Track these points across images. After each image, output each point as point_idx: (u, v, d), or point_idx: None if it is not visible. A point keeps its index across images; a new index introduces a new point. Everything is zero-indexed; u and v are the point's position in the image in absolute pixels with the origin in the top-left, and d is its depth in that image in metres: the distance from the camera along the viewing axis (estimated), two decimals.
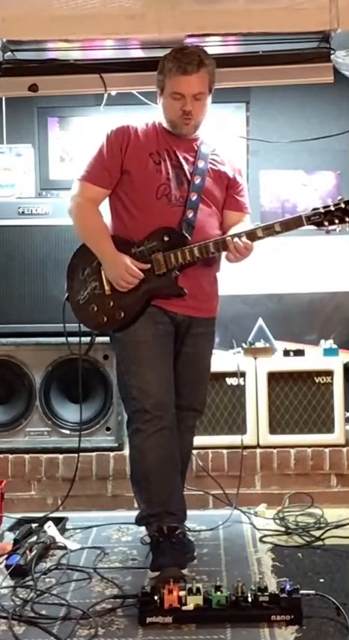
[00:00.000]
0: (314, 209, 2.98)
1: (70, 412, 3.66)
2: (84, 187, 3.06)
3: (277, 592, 2.57)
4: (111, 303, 3.01)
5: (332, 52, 3.61)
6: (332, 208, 2.95)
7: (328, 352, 3.81)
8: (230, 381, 3.74)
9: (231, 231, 3.04)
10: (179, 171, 3.02)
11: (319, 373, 3.76)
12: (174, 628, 2.53)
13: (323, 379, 3.74)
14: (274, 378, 3.75)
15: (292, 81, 3.75)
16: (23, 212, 3.72)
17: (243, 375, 3.73)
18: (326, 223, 2.97)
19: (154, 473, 2.96)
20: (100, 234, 3.04)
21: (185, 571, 2.87)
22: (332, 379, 3.73)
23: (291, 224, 2.99)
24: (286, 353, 3.83)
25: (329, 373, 3.74)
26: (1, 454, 3.68)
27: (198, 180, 3.02)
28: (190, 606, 2.54)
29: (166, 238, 2.97)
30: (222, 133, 3.27)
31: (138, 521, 3.07)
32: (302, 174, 4.36)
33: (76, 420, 3.58)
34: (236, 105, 4.39)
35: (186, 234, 2.97)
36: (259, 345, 3.86)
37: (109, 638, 2.50)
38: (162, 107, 3.04)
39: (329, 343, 3.86)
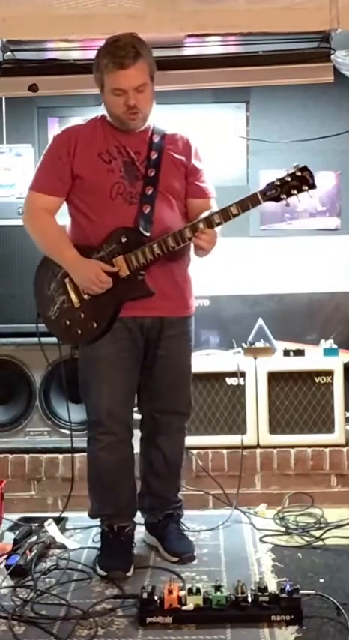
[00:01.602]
0: (268, 183, 2.86)
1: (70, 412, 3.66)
2: (36, 197, 2.97)
3: (277, 592, 2.57)
4: (83, 315, 2.93)
5: (332, 52, 3.62)
6: (288, 179, 2.83)
7: (328, 352, 3.81)
8: (230, 381, 3.74)
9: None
10: (131, 167, 2.91)
11: (319, 373, 3.75)
12: (174, 628, 2.52)
13: (323, 379, 3.74)
14: (274, 378, 3.75)
15: (292, 81, 3.76)
16: (23, 212, 3.71)
17: (243, 375, 3.72)
18: (284, 196, 2.84)
19: (106, 478, 3.04)
20: (62, 243, 2.95)
21: (129, 573, 2.93)
22: (332, 379, 3.73)
23: (248, 203, 2.85)
24: (286, 353, 3.82)
25: (329, 373, 3.74)
26: (1, 454, 3.67)
27: (152, 173, 2.91)
28: (190, 606, 2.54)
29: (124, 239, 2.87)
30: (222, 133, 3.27)
31: (91, 516, 3.15)
32: None
33: (76, 419, 3.58)
34: (236, 105, 4.40)
35: (144, 232, 2.87)
36: (259, 345, 3.86)
37: (109, 638, 2.50)
38: (105, 104, 2.92)
39: (329, 343, 3.85)
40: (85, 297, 2.92)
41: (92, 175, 2.92)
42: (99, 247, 2.90)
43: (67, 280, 2.95)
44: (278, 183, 2.84)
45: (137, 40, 2.86)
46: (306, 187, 2.84)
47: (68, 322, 2.97)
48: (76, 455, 3.44)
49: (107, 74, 2.84)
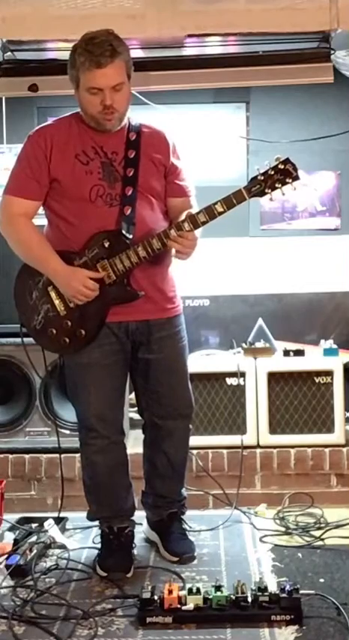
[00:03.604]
0: (252, 179, 2.79)
1: (70, 412, 3.65)
2: (13, 202, 2.85)
3: (277, 592, 2.57)
4: (70, 323, 2.86)
5: (332, 52, 3.63)
6: (271, 172, 2.75)
7: (328, 352, 3.80)
8: (230, 381, 3.74)
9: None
10: (110, 167, 2.82)
11: (319, 373, 3.75)
12: (174, 628, 2.53)
13: (323, 379, 3.74)
14: (274, 378, 3.74)
15: (292, 81, 3.76)
16: None
17: (243, 375, 3.72)
18: (269, 191, 2.77)
19: (103, 481, 3.03)
20: (45, 252, 2.84)
21: (129, 573, 2.94)
22: (332, 379, 3.73)
23: (233, 200, 2.76)
24: (286, 353, 3.82)
25: (329, 373, 3.74)
26: (1, 454, 3.67)
27: (131, 173, 2.82)
28: (190, 606, 2.54)
29: (106, 244, 2.79)
30: (222, 133, 3.25)
31: (90, 519, 3.15)
32: (302, 174, 4.33)
33: (75, 420, 3.57)
34: (236, 105, 4.40)
35: (127, 234, 2.79)
36: (259, 345, 3.86)
37: (109, 638, 2.50)
38: (80, 103, 2.82)
39: (329, 343, 3.85)
40: (71, 305, 2.86)
41: (70, 178, 2.83)
42: (81, 253, 2.83)
43: (50, 288, 2.87)
44: (262, 177, 2.78)
45: (114, 38, 2.75)
46: (290, 180, 2.79)
47: (55, 331, 2.89)
48: (76, 455, 3.45)
49: (83, 72, 2.73)
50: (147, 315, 2.92)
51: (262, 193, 2.80)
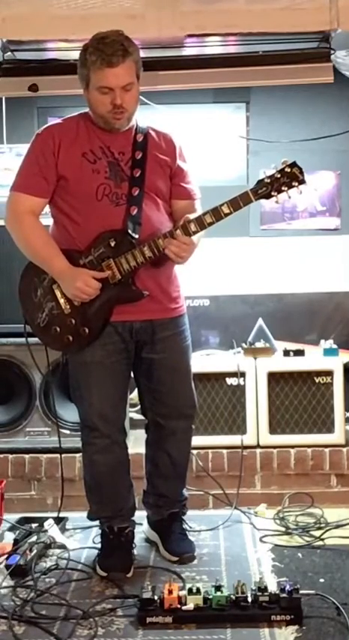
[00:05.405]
0: (259, 181, 2.81)
1: (70, 412, 3.66)
2: (20, 199, 2.86)
3: (277, 592, 2.57)
4: (74, 321, 2.86)
5: (332, 52, 3.63)
6: (278, 175, 2.77)
7: (328, 352, 3.81)
8: (230, 381, 3.74)
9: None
10: (116, 167, 2.84)
11: (319, 373, 3.75)
12: (174, 628, 2.53)
13: (323, 379, 3.74)
14: (274, 378, 3.74)
15: (292, 81, 3.76)
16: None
17: (243, 375, 3.72)
18: (275, 193, 2.79)
19: (104, 481, 3.04)
20: (50, 251, 2.85)
21: (129, 573, 2.94)
22: (332, 379, 3.73)
23: (239, 202, 2.78)
24: (286, 353, 3.82)
25: (329, 373, 3.74)
26: (1, 454, 3.67)
27: (137, 174, 2.84)
28: (190, 606, 2.54)
29: (112, 243, 2.80)
30: (222, 133, 3.25)
31: (90, 518, 3.15)
32: None
33: (75, 420, 3.57)
34: (236, 105, 4.40)
35: (133, 234, 2.79)
36: (259, 345, 3.86)
37: (109, 638, 2.50)
38: (90, 102, 2.84)
39: (329, 343, 3.85)
40: (75, 303, 2.86)
41: (77, 176, 2.83)
42: (87, 252, 2.83)
43: (55, 286, 2.88)
44: (268, 180, 2.80)
45: (125, 38, 2.78)
46: (296, 183, 2.80)
47: (58, 329, 2.89)
48: (76, 455, 3.45)
49: (94, 71, 2.76)
50: (151, 314, 2.93)
51: (268, 196, 2.81)
